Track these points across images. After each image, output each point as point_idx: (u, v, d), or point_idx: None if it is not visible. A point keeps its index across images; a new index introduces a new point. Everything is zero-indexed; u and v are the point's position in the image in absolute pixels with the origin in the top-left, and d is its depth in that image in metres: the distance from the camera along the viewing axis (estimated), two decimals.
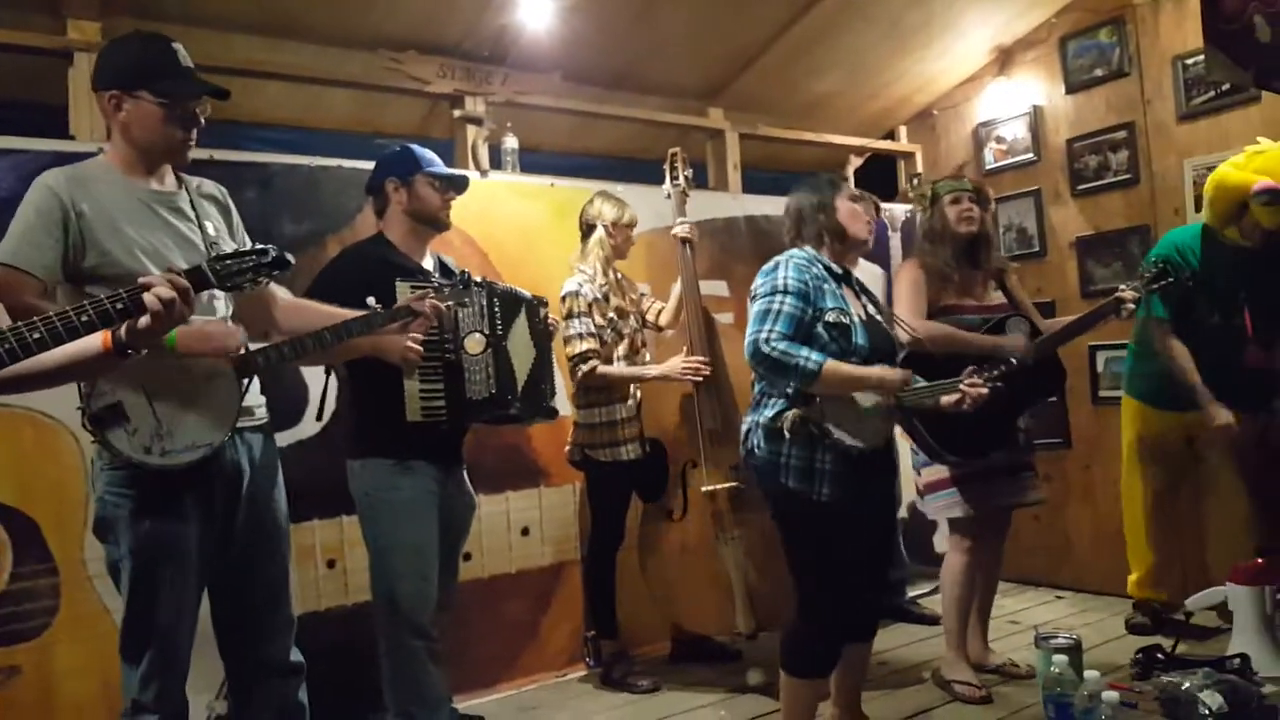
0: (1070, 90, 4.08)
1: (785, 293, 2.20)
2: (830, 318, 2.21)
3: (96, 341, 1.45)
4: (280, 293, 2.12)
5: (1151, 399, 3.24)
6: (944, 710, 2.75)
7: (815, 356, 2.12)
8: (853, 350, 2.21)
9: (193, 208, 1.95)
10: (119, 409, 1.73)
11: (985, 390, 2.32)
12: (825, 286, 2.25)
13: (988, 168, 4.38)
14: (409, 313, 2.15)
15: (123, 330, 1.45)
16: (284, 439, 2.83)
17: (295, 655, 2.07)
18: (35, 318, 1.36)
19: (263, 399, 2.06)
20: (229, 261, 1.60)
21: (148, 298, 1.41)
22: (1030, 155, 4.23)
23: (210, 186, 2.07)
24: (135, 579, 1.84)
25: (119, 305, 1.41)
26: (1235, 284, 3.00)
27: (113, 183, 1.86)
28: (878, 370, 2.21)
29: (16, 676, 2.44)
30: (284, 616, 2.05)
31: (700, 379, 3.01)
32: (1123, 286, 2.84)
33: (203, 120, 1.92)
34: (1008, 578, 3.64)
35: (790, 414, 2.20)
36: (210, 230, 1.95)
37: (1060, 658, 2.45)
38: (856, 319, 2.25)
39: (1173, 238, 3.15)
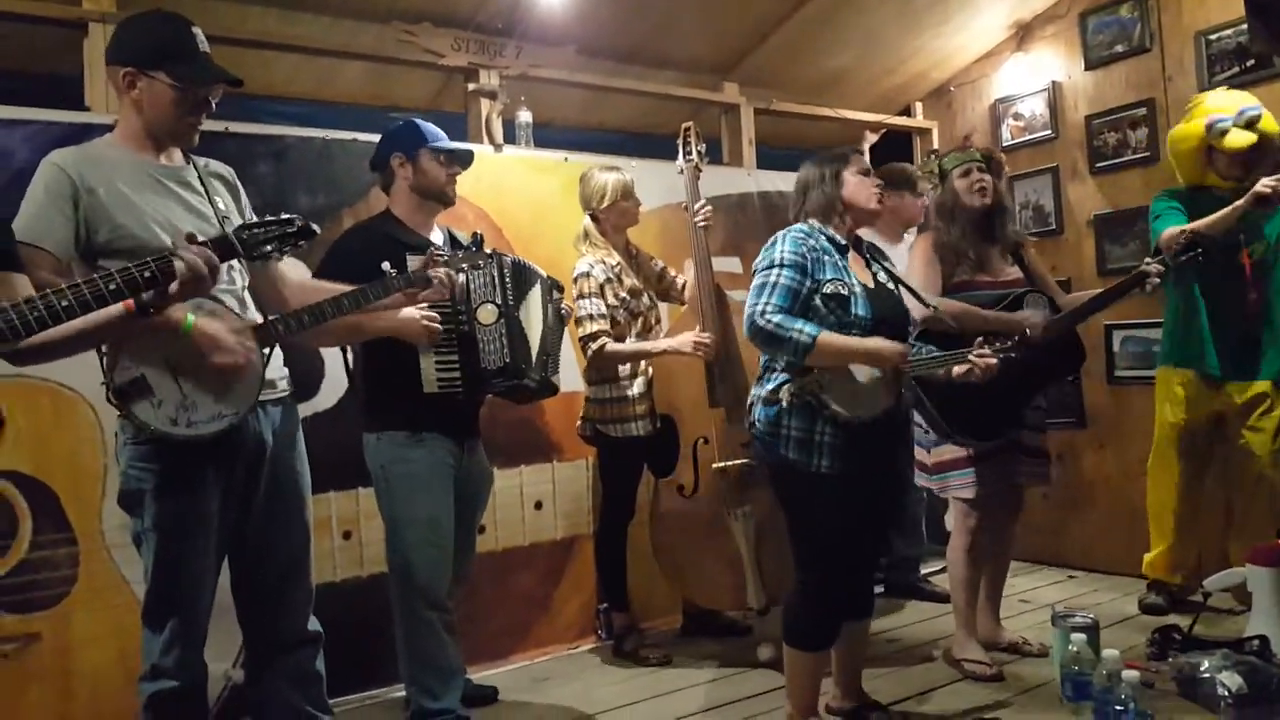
0: (1090, 66, 4.02)
1: (781, 266, 2.20)
2: (828, 289, 2.20)
3: (119, 306, 1.46)
4: (290, 274, 2.12)
5: (1193, 362, 3.17)
6: (954, 688, 2.76)
7: (809, 329, 2.12)
8: (853, 321, 2.20)
9: (201, 183, 1.96)
10: (142, 382, 1.74)
11: (994, 361, 2.30)
12: (826, 258, 2.24)
13: (1005, 144, 4.33)
14: (424, 279, 2.14)
15: (145, 294, 1.45)
16: (299, 411, 2.84)
17: (313, 625, 2.09)
18: (64, 285, 1.37)
19: (285, 371, 2.07)
20: (256, 230, 1.60)
21: (177, 264, 1.42)
22: (1048, 132, 4.18)
23: (218, 166, 2.07)
24: (160, 551, 1.87)
25: (147, 274, 1.42)
26: (1233, 231, 2.97)
27: (121, 159, 1.87)
28: (874, 342, 2.18)
29: (36, 644, 2.47)
30: (304, 587, 2.08)
31: (708, 356, 2.99)
32: (1148, 260, 2.80)
33: (214, 106, 1.92)
34: (1019, 557, 3.63)
35: (787, 386, 2.20)
36: (220, 205, 1.96)
37: (1078, 636, 2.45)
38: (859, 290, 2.23)
39: (1169, 203, 3.12)
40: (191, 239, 1.61)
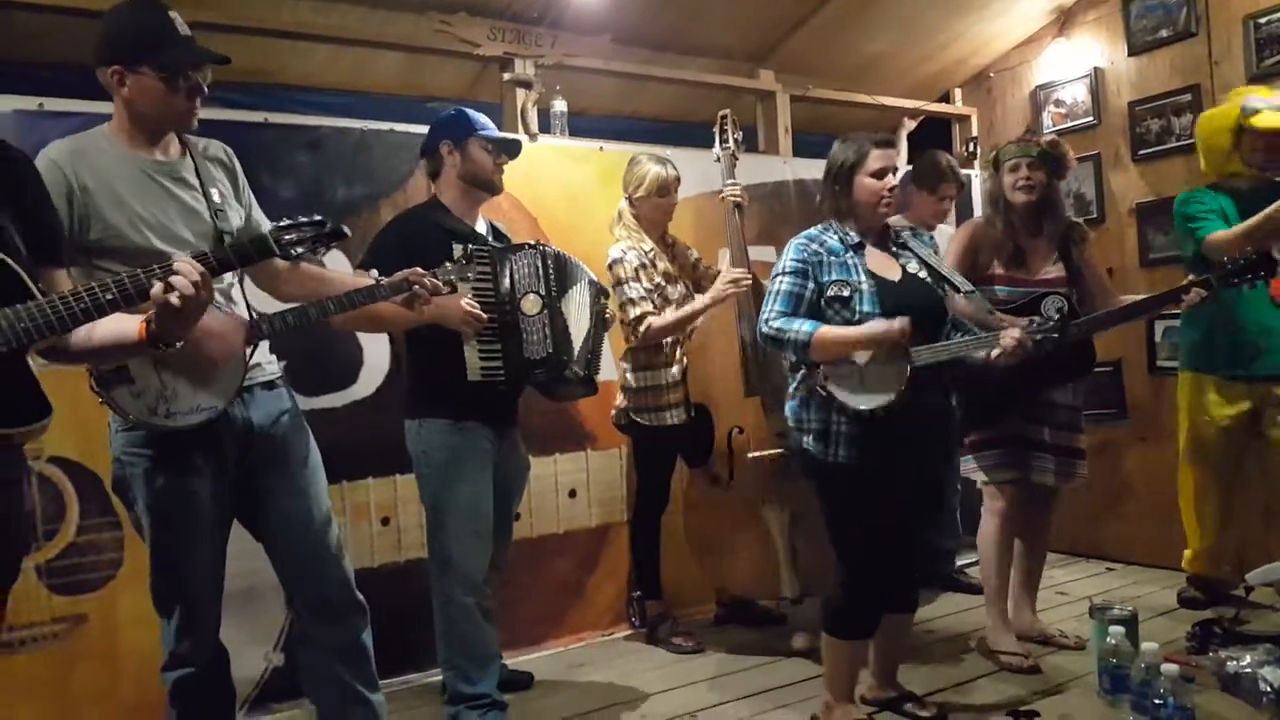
0: (1133, 52, 3.94)
1: (784, 274, 2.29)
2: (830, 291, 2.24)
3: (134, 328, 1.47)
4: (280, 261, 2.06)
5: (1216, 367, 3.11)
6: (990, 680, 2.74)
7: (806, 327, 2.18)
8: (858, 318, 2.21)
9: (197, 175, 1.94)
10: (124, 371, 1.75)
11: (1014, 342, 2.25)
12: (833, 259, 2.27)
13: (1045, 131, 4.25)
14: (409, 285, 2.07)
15: (154, 322, 1.46)
16: (338, 399, 2.90)
17: (357, 596, 2.08)
18: (94, 284, 1.38)
19: (272, 356, 2.06)
20: (292, 231, 1.60)
21: (176, 280, 1.41)
22: (1090, 119, 4.11)
23: (215, 149, 2.03)
24: (155, 535, 1.89)
25: (109, 296, 1.39)
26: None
27: (115, 154, 1.85)
28: (866, 329, 2.17)
29: (84, 624, 2.54)
30: (332, 553, 2.04)
31: (743, 289, 2.96)
32: (1191, 277, 2.69)
33: (205, 88, 1.87)
34: (1056, 549, 3.60)
35: (798, 380, 2.27)
36: (215, 197, 1.93)
37: (1117, 629, 2.42)
38: (865, 286, 2.23)
39: (1201, 204, 3.00)
40: (203, 258, 1.53)
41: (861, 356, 2.21)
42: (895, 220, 2.45)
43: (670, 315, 2.99)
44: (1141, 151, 3.92)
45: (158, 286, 1.40)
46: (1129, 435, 3.95)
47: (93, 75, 1.86)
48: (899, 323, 2.14)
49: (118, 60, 1.81)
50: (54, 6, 2.70)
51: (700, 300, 3.00)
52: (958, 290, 2.34)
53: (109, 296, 1.36)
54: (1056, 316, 2.33)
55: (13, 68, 3.02)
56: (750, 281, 2.98)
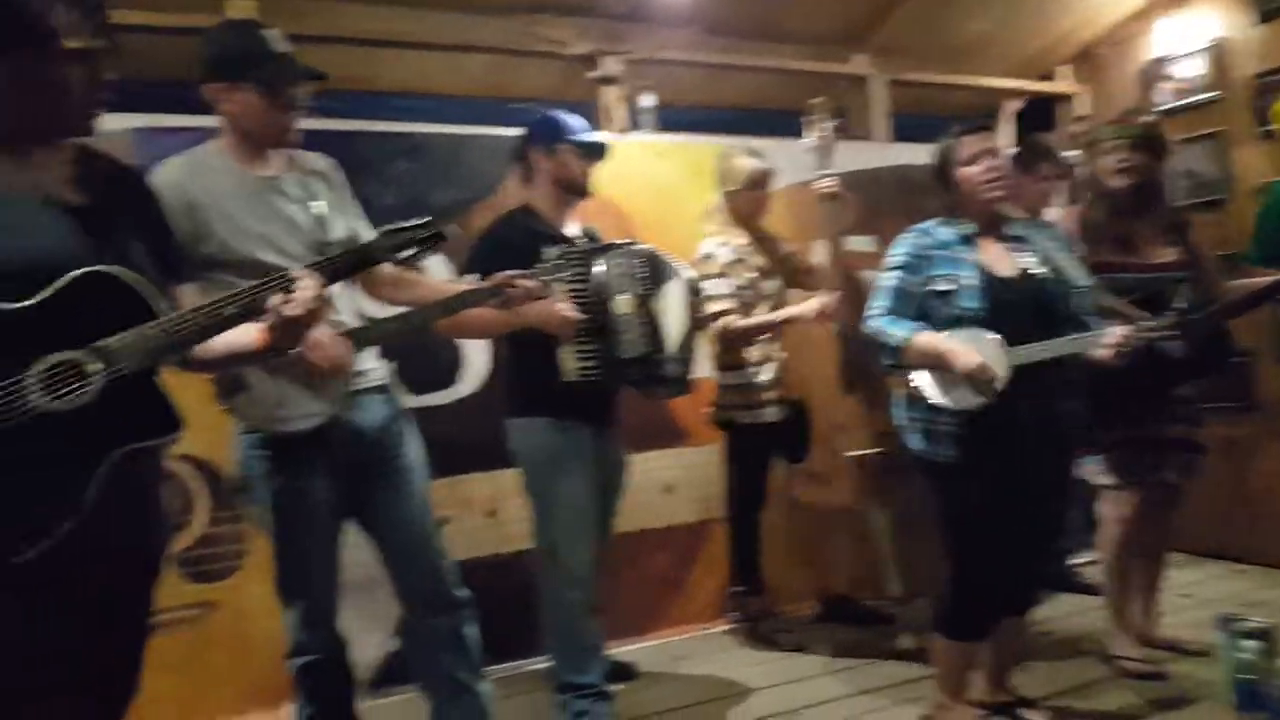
0: (1263, 19, 3.68)
1: (890, 269, 2.29)
2: (934, 285, 2.22)
3: (253, 338, 1.53)
4: (384, 266, 2.11)
5: None
6: (1109, 685, 2.62)
7: (902, 333, 2.18)
8: (960, 314, 2.17)
9: (302, 188, 2.01)
10: (241, 380, 1.87)
11: (1117, 346, 2.16)
12: (940, 253, 2.23)
13: (1159, 108, 4.02)
14: (503, 290, 2.11)
15: (273, 331, 1.51)
16: (441, 398, 2.98)
17: (461, 591, 2.16)
18: (215, 299, 1.43)
19: (379, 363, 2.13)
20: (399, 235, 1.65)
21: (294, 292, 1.45)
22: (1210, 94, 3.86)
23: (319, 163, 2.10)
24: (276, 532, 2.00)
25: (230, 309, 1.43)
26: None
27: (225, 170, 1.93)
28: (958, 357, 2.10)
29: (214, 611, 2.70)
30: (434, 552, 2.12)
31: (835, 317, 2.92)
32: None
33: (303, 103, 1.94)
34: (1182, 549, 3.41)
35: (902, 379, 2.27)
36: (320, 209, 2.00)
37: (1254, 643, 2.27)
38: (972, 282, 2.17)
39: None
40: (316, 268, 1.55)
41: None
42: (1014, 212, 2.35)
43: (752, 320, 2.99)
44: (1268, 127, 3.66)
45: (276, 298, 1.46)
46: (1260, 427, 3.71)
47: (194, 90, 1.95)
48: (968, 363, 2.08)
49: (220, 77, 1.90)
50: (157, 27, 2.83)
51: (784, 312, 2.99)
52: (1074, 286, 2.25)
53: (229, 312, 1.42)
54: (1176, 314, 2.22)
55: (124, 85, 3.20)
56: (834, 302, 2.92)
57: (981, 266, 2.21)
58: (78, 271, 1.30)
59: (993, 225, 2.29)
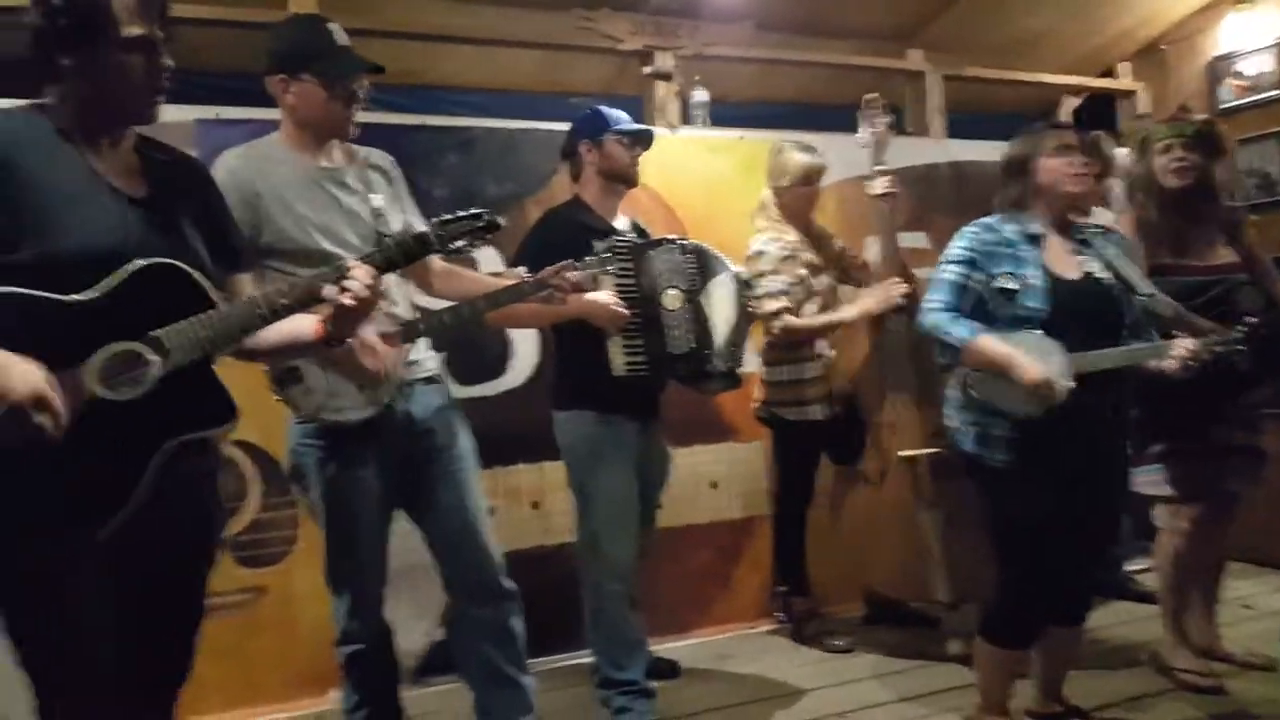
0: None
1: (951, 262, 2.22)
2: (998, 283, 2.15)
3: (309, 328, 1.55)
4: (434, 260, 2.16)
5: None
6: (1166, 698, 2.55)
7: (964, 333, 2.11)
8: (1022, 315, 2.11)
9: (360, 181, 2.04)
10: (296, 372, 1.90)
11: (1180, 359, 2.11)
12: (1005, 250, 2.17)
13: (1224, 106, 3.91)
14: (550, 284, 2.13)
15: (330, 323, 1.53)
16: (489, 389, 3.01)
17: (508, 583, 2.16)
18: (271, 289, 1.45)
19: (430, 353, 2.16)
20: (450, 225, 1.66)
21: (350, 283, 1.47)
22: (1277, 91, 3.74)
23: (378, 157, 2.13)
24: (330, 519, 2.02)
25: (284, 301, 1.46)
26: None
27: (285, 160, 1.97)
28: (1022, 366, 2.02)
29: (263, 596, 2.75)
30: (482, 543, 2.13)
31: (900, 301, 2.88)
32: None
33: (362, 97, 1.98)
34: (1243, 558, 3.31)
35: (955, 380, 2.20)
36: (377, 202, 2.02)
37: None
38: (1036, 282, 2.12)
39: None
40: (370, 258, 1.57)
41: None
42: (1082, 220, 2.30)
43: (819, 319, 2.96)
44: None
45: (331, 289, 1.47)
46: None
47: (256, 82, 2.00)
48: (1032, 376, 2.00)
49: (283, 69, 1.95)
50: (220, 20, 2.90)
51: (848, 310, 2.96)
52: (1137, 294, 2.19)
53: (285, 303, 1.44)
54: (1247, 327, 2.15)
55: (188, 77, 3.27)
56: (905, 288, 2.89)
57: (1046, 267, 2.16)
58: (141, 262, 1.33)
59: (1063, 225, 2.24)
